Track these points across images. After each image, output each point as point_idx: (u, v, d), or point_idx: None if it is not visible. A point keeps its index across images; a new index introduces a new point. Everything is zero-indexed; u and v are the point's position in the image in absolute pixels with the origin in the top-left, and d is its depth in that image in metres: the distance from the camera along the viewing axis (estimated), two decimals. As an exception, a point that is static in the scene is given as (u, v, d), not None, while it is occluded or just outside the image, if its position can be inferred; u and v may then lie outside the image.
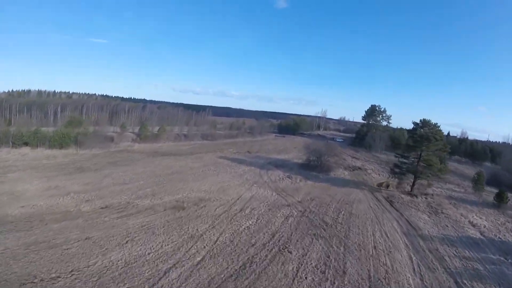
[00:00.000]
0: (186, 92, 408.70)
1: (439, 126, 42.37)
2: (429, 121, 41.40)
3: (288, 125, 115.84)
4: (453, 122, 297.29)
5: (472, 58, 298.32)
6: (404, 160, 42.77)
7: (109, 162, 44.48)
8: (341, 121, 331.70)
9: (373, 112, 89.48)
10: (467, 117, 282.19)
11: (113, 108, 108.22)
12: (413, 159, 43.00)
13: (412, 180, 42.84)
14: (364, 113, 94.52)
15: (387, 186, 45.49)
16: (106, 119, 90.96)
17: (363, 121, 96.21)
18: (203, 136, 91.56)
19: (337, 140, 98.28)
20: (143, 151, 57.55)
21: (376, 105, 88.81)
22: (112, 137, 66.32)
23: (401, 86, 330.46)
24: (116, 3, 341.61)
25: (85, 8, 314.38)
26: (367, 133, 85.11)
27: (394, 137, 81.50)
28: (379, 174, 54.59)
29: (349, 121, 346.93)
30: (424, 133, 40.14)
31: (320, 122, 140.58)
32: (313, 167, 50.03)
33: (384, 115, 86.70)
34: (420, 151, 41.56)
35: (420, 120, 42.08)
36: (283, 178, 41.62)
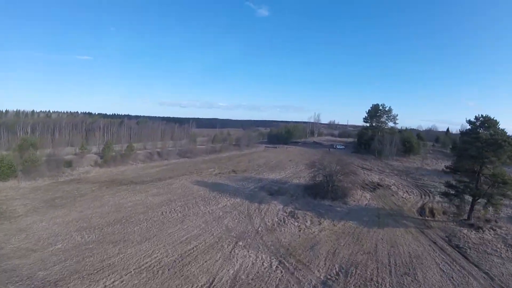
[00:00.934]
0: (173, 106, 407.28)
1: (498, 123, 29.53)
2: (492, 118, 28.41)
3: (279, 134, 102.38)
4: (441, 118, 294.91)
5: (458, 53, 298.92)
6: (464, 179, 29.37)
7: (46, 200, 32.49)
8: (331, 125, 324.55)
9: (376, 112, 77.38)
10: (455, 113, 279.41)
11: (88, 125, 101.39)
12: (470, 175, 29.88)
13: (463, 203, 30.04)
14: (365, 114, 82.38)
15: (432, 212, 32.07)
16: (65, 140, 79.01)
17: (365, 123, 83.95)
18: (180, 153, 76.89)
19: (338, 147, 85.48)
20: (98, 180, 44.13)
21: (380, 104, 76.75)
22: (71, 161, 53.35)
23: (389, 85, 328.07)
24: (99, 19, 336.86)
25: (69, 25, 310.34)
26: (373, 137, 72.47)
27: (405, 139, 69.15)
28: (407, 192, 41.53)
29: (339, 125, 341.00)
30: (490, 137, 27.03)
31: (313, 127, 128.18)
32: (321, 191, 35.98)
33: (389, 115, 74.62)
34: (481, 163, 28.47)
35: (479, 117, 29.02)
36: (284, 220, 27.37)
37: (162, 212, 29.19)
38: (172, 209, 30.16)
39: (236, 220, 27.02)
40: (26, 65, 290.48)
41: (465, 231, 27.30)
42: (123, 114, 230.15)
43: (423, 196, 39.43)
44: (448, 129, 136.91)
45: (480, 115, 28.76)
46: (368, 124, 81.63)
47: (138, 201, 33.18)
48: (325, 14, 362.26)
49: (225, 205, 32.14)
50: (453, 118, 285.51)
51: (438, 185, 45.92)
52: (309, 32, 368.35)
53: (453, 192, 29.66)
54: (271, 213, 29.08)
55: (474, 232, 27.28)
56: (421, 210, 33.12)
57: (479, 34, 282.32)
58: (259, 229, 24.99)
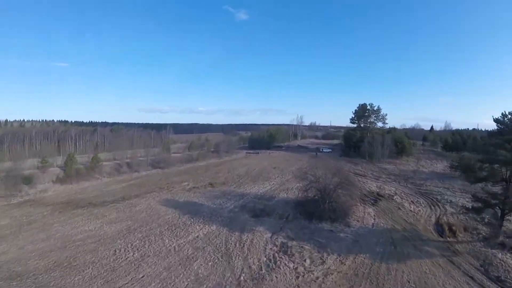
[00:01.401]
0: (153, 112, 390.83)
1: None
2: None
3: (261, 138, 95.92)
4: (418, 116, 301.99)
5: (431, 50, 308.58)
6: (493, 189, 23.95)
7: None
8: (312, 127, 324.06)
9: (364, 112, 73.00)
10: (430, 109, 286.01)
11: (61, 134, 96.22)
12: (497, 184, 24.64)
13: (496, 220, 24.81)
14: (348, 114, 77.93)
15: (451, 230, 26.55)
16: (23, 152, 70.93)
17: (352, 124, 79.43)
18: (153, 163, 68.58)
19: (324, 150, 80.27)
20: (54, 201, 36.85)
21: (367, 104, 72.39)
22: (32, 176, 45.78)
23: (368, 85, 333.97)
24: (76, 24, 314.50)
25: (46, 31, 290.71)
26: (362, 139, 67.70)
27: (396, 140, 64.88)
28: (413, 202, 36.29)
29: (320, 126, 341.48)
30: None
31: (296, 130, 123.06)
32: (317, 210, 29.36)
33: (378, 115, 70.33)
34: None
35: (505, 114, 23.80)
36: (275, 259, 20.58)
37: (115, 251, 21.76)
38: (129, 245, 22.74)
39: (210, 264, 19.83)
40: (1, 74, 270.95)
41: (500, 255, 21.84)
42: (100, 121, 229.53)
43: (432, 207, 34.14)
44: (432, 127, 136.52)
45: (508, 112, 23.45)
46: (355, 125, 77.20)
47: (90, 232, 25.88)
48: (304, 16, 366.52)
49: (197, 236, 24.89)
50: (427, 115, 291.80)
51: (443, 191, 41.18)
52: (288, 35, 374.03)
53: (480, 206, 24.15)
54: (257, 248, 22.12)
55: (510, 256, 21.90)
56: (438, 227, 27.56)
57: (450, 31, 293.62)
58: (242, 277, 17.95)
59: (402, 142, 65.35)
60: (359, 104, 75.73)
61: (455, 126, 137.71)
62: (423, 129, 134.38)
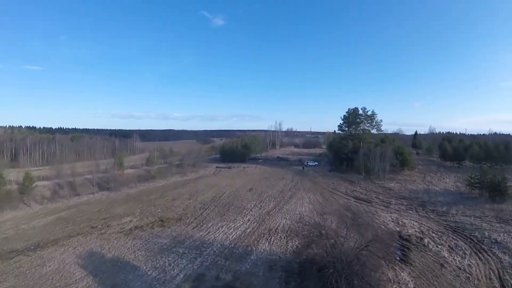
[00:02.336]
0: (127, 118, 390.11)
1: None
2: None
3: (234, 149, 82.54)
4: (390, 121, 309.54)
5: (405, 56, 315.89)
6: None
7: None
8: (289, 133, 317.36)
9: (355, 117, 62.46)
10: (402, 114, 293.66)
11: (18, 143, 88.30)
12: None
13: None
14: (340, 120, 67.40)
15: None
16: None
17: (341, 131, 68.79)
18: (102, 182, 55.72)
19: (310, 164, 68.65)
20: None
21: (360, 108, 62.23)
22: None
23: (346, 90, 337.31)
24: (51, 26, 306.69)
25: (19, 33, 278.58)
26: (356, 150, 57.01)
27: (397, 151, 54.83)
28: (453, 249, 25.16)
29: (297, 132, 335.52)
30: None
31: (274, 137, 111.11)
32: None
33: (373, 121, 60.21)
34: None
35: None
36: None
37: None
38: None
39: None
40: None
41: None
42: (71, 127, 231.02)
43: (481, 257, 23.51)
44: (416, 132, 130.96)
45: None
46: (343, 132, 66.90)
47: None
48: (280, 22, 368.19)
49: None
50: (401, 119, 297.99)
51: (477, 223, 31.29)
52: (264, 41, 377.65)
53: None
54: None
55: None
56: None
57: (421, 36, 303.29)
58: None
59: (403, 153, 55.36)
60: (349, 109, 65.55)
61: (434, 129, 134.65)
62: (406, 134, 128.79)
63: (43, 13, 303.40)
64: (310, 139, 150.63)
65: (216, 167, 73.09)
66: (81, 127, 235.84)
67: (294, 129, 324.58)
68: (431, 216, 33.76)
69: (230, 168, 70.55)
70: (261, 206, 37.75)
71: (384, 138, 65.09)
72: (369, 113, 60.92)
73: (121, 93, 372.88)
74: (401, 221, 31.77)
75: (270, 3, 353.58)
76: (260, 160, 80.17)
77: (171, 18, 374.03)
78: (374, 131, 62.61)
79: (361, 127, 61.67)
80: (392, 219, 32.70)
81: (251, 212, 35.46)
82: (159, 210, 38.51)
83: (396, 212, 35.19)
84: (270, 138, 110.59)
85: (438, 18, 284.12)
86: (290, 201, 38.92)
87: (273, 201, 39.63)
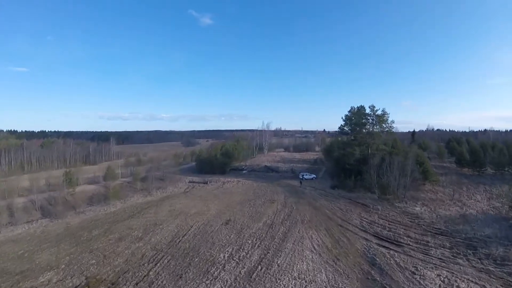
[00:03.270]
0: (115, 119, 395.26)
1: None
2: None
3: (213, 158, 69.87)
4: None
5: (397, 57, 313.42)
6: None
7: None
8: (277, 132, 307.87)
9: (360, 118, 51.25)
10: (393, 112, 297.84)
11: None
12: None
13: None
14: (340, 120, 56.27)
15: None
16: None
17: (342, 134, 57.62)
18: (46, 206, 45.10)
19: (306, 177, 56.80)
20: None
21: (368, 106, 51.14)
22: None
23: (331, 89, 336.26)
24: (36, 26, 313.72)
25: (4, 33, 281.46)
26: (365, 159, 45.79)
27: (416, 161, 43.91)
28: None
29: (286, 131, 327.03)
30: None
31: (261, 139, 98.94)
32: None
33: (385, 122, 49.04)
34: None
35: None
36: None
37: None
38: None
39: None
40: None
41: None
42: (53, 130, 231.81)
43: None
44: (414, 132, 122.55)
45: None
46: (345, 135, 55.62)
47: None
48: (268, 21, 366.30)
49: None
50: (391, 117, 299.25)
51: None
52: (252, 40, 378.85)
53: None
54: None
55: None
56: None
57: (410, 36, 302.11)
58: None
59: (423, 163, 44.45)
60: (352, 107, 54.19)
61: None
62: (401, 132, 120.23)
63: (29, 13, 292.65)
64: (301, 141, 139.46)
65: (189, 182, 60.43)
66: (65, 130, 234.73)
67: (283, 129, 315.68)
68: (491, 269, 22.60)
69: (206, 183, 58.03)
70: (239, 257, 25.53)
71: (393, 144, 53.86)
72: (378, 112, 49.68)
73: (108, 93, 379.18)
74: (456, 286, 20.37)
75: (257, 2, 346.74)
76: (244, 171, 67.91)
77: (159, 17, 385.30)
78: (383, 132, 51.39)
79: (369, 130, 50.39)
80: (442, 281, 21.18)
81: (223, 272, 23.20)
82: (93, 262, 26.12)
83: (443, 264, 23.73)
84: (257, 139, 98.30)
85: (425, 14, 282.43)
86: (284, 248, 26.90)
87: (258, 246, 27.51)
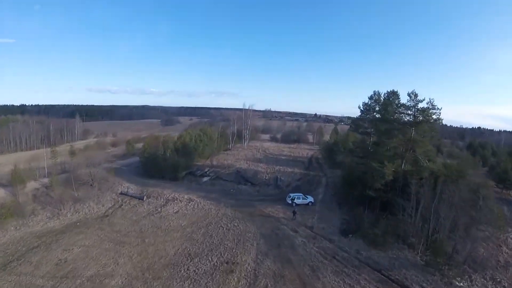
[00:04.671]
0: (103, 92, 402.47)
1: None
2: None
3: (160, 159, 48.93)
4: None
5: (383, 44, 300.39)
6: None
7: None
8: (266, 113, 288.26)
9: (392, 110, 31.79)
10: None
11: None
12: None
13: None
14: (359, 108, 37.00)
15: None
16: None
17: (360, 134, 38.64)
18: None
19: (297, 201, 36.71)
20: None
21: (401, 92, 31.50)
22: None
23: (326, 76, 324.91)
24: None
25: None
26: (406, 187, 26.86)
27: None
28: None
29: (276, 112, 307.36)
30: None
31: (243, 122, 77.59)
32: None
33: (433, 119, 29.44)
34: None
35: None
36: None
37: None
38: None
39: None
40: None
41: None
42: (34, 104, 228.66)
43: None
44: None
45: None
46: (362, 135, 36.38)
47: None
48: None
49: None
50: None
51: None
52: (245, 14, 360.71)
53: None
54: None
55: None
56: None
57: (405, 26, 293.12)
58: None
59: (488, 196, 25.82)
60: (376, 92, 34.47)
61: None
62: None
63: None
64: (291, 127, 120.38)
65: (120, 194, 40.42)
66: (48, 103, 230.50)
67: (273, 110, 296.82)
68: None
69: (142, 199, 38.07)
70: None
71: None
72: (422, 104, 30.01)
73: (97, 66, 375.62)
74: None
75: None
76: (206, 179, 47.62)
77: None
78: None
79: (409, 132, 30.85)
80: None
81: None
82: None
83: None
84: (234, 127, 77.83)
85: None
86: None
87: None
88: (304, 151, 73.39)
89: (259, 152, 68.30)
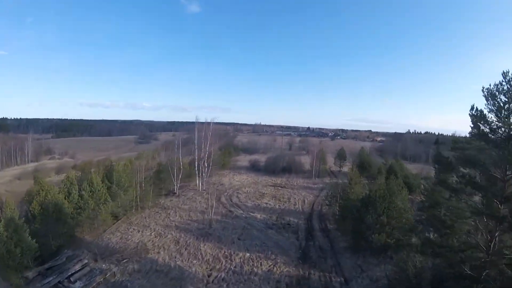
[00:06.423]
0: (95, 107, 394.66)
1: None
2: None
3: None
4: (359, 117, 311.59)
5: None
6: None
7: None
8: (256, 127, 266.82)
9: None
10: (373, 111, 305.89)
11: None
12: None
13: None
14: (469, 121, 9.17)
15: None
16: None
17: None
18: None
19: None
20: None
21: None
22: None
23: (319, 84, 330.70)
24: (15, 8, 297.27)
25: None
26: None
27: None
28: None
29: (266, 126, 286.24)
30: None
31: (201, 143, 49.77)
32: None
33: None
34: None
35: None
36: None
37: None
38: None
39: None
40: None
41: None
42: (14, 118, 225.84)
43: None
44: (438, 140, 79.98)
45: None
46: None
47: None
48: (255, 10, 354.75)
49: None
50: (369, 116, 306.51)
51: None
52: (241, 30, 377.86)
53: None
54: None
55: None
56: None
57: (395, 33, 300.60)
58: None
59: None
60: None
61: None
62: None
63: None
64: (280, 147, 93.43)
65: None
66: (32, 117, 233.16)
67: (263, 123, 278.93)
68: None
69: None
70: None
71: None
72: None
73: (90, 81, 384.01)
74: None
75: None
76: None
77: (145, 3, 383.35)
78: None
79: None
80: None
81: None
82: None
83: None
84: (195, 152, 49.75)
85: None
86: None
87: None
88: (298, 192, 46.00)
89: (219, 203, 40.20)
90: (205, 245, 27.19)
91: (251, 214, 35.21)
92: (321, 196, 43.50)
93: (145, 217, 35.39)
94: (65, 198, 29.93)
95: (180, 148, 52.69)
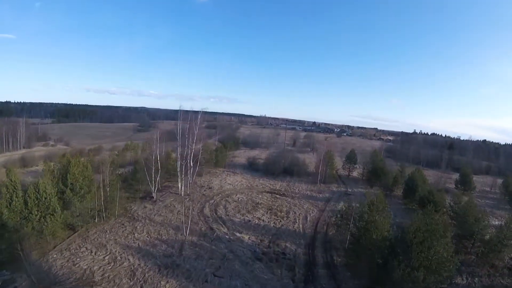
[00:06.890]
0: (102, 93, 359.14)
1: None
2: None
3: None
4: (365, 114, 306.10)
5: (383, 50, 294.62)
6: None
7: None
8: (261, 119, 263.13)
9: None
10: (379, 109, 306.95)
11: None
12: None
13: None
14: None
15: None
16: None
17: None
18: None
19: None
20: None
21: None
22: None
23: (326, 80, 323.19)
24: None
25: None
26: None
27: None
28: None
29: (272, 118, 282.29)
30: None
31: (187, 139, 43.02)
32: None
33: None
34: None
35: None
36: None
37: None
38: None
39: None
40: None
41: None
42: (18, 101, 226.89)
43: None
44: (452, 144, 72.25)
45: None
46: None
47: None
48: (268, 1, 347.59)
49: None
50: (375, 114, 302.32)
51: None
52: (246, 23, 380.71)
53: None
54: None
55: None
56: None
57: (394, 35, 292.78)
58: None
59: None
60: None
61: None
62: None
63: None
64: (288, 142, 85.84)
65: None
66: (36, 101, 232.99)
67: (268, 116, 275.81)
68: None
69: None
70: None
71: None
72: None
73: (96, 66, 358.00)
74: None
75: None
76: None
77: None
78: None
79: None
80: None
81: None
82: None
83: None
84: (180, 152, 42.97)
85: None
86: None
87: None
88: (299, 203, 38.79)
89: (201, 215, 33.22)
90: (167, 282, 20.13)
91: (237, 235, 27.87)
92: (327, 210, 36.14)
93: (106, 231, 28.41)
94: (6, 207, 23.67)
95: (164, 142, 45.82)
